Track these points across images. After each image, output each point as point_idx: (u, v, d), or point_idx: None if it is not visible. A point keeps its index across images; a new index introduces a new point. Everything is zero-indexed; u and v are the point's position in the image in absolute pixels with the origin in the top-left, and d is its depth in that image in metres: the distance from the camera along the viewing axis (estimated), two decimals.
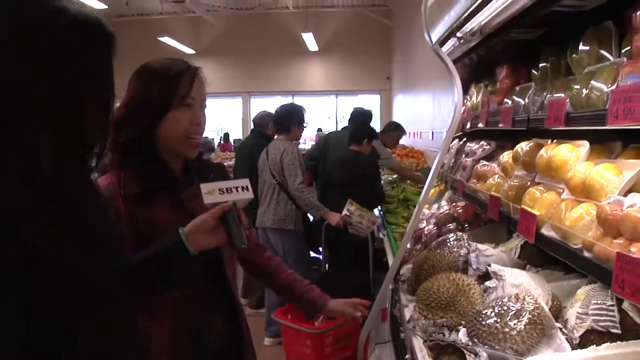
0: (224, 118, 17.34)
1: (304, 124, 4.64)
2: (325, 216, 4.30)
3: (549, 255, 1.95)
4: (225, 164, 8.06)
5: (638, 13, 1.31)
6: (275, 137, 4.61)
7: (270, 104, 14.35)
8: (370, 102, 15.77)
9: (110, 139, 1.49)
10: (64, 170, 0.96)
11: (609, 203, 1.30)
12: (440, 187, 3.61)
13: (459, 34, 2.03)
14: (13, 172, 0.89)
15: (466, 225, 2.83)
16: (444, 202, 3.23)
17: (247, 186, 1.46)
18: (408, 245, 2.76)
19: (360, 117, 5.74)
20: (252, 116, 5.70)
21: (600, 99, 1.38)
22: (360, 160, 4.54)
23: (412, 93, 10.43)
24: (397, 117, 11.83)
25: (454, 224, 2.88)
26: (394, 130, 6.30)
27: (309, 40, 13.95)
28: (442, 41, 2.14)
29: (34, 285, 0.88)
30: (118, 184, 1.53)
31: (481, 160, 2.63)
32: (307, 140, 12.43)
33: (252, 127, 5.65)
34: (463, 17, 1.82)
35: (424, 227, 2.92)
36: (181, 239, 1.36)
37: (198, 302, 1.58)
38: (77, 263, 0.97)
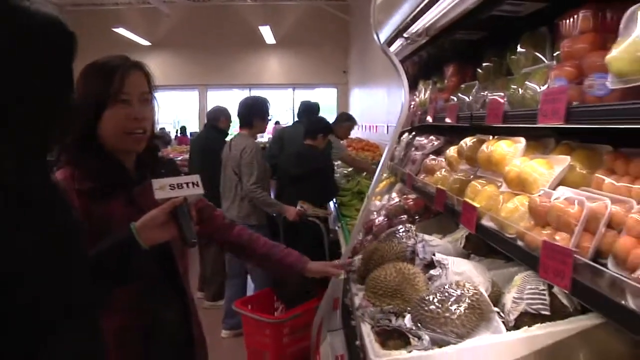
0: (181, 111, 17.14)
1: (268, 117, 4.61)
2: (282, 211, 4.35)
3: (491, 245, 2.07)
4: (181, 157, 8.03)
5: (564, 21, 1.41)
6: (238, 131, 4.59)
7: (227, 97, 14.33)
8: (327, 95, 15.88)
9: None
10: (49, 167, 0.99)
11: (539, 195, 1.41)
12: (390, 179, 3.72)
13: (405, 35, 2.12)
14: (12, 170, 0.91)
15: (416, 217, 2.94)
16: (394, 194, 3.34)
17: (197, 182, 1.50)
18: (360, 237, 2.85)
19: (309, 111, 5.83)
20: (210, 109, 5.75)
21: (533, 99, 1.48)
22: (315, 155, 4.61)
23: (368, 87, 10.57)
24: (353, 111, 11.94)
25: (405, 215, 2.98)
26: (346, 120, 6.44)
27: (267, 34, 13.92)
28: (390, 41, 2.23)
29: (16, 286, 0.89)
30: (72, 179, 1.54)
31: (430, 155, 2.75)
32: (265, 134, 12.40)
33: (206, 121, 5.71)
34: (409, 18, 1.92)
35: (375, 219, 3.01)
36: (132, 233, 1.39)
37: (149, 297, 1.60)
38: (56, 258, 0.98)
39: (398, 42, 2.32)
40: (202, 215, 1.85)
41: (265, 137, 11.21)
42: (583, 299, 1.14)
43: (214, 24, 14.84)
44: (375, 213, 3.11)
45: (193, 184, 1.49)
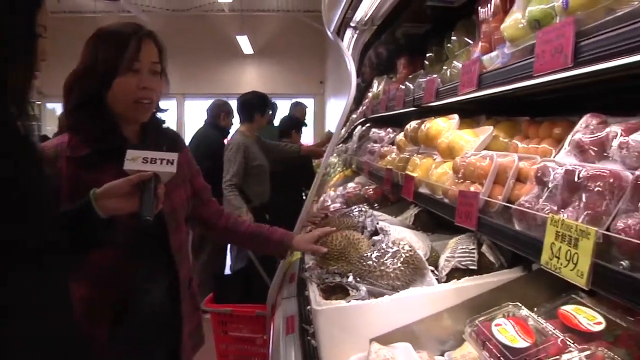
0: None
1: (268, 112, 4.49)
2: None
3: (438, 222, 2.24)
4: None
5: (480, 9, 1.61)
6: (238, 128, 4.46)
7: (205, 107, 14.35)
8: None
9: (63, 103, 1.57)
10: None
11: (461, 157, 1.59)
12: (345, 173, 3.86)
13: (352, 24, 2.30)
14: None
15: (376, 205, 3.09)
16: (351, 184, 3.47)
17: (172, 160, 1.42)
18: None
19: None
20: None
21: (458, 75, 1.67)
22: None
23: (343, 97, 10.75)
24: (329, 121, 12.13)
25: (365, 204, 3.13)
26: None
27: (244, 43, 14.09)
28: (339, 30, 2.41)
29: None
30: (67, 146, 1.54)
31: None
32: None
33: (206, 117, 5.28)
34: (350, 6, 2.09)
35: (330, 205, 3.15)
36: (90, 200, 1.34)
37: (127, 269, 1.56)
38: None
39: (349, 33, 2.50)
40: (200, 197, 1.90)
41: None
42: (486, 233, 1.31)
43: (193, 33, 14.95)
44: (329, 200, 3.24)
45: (168, 161, 1.41)
